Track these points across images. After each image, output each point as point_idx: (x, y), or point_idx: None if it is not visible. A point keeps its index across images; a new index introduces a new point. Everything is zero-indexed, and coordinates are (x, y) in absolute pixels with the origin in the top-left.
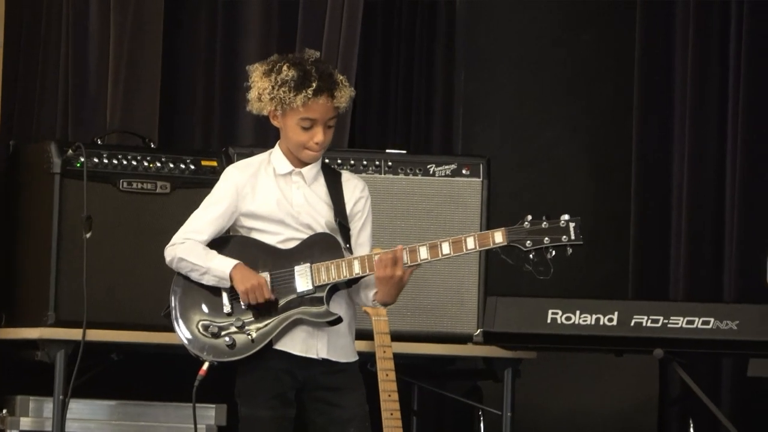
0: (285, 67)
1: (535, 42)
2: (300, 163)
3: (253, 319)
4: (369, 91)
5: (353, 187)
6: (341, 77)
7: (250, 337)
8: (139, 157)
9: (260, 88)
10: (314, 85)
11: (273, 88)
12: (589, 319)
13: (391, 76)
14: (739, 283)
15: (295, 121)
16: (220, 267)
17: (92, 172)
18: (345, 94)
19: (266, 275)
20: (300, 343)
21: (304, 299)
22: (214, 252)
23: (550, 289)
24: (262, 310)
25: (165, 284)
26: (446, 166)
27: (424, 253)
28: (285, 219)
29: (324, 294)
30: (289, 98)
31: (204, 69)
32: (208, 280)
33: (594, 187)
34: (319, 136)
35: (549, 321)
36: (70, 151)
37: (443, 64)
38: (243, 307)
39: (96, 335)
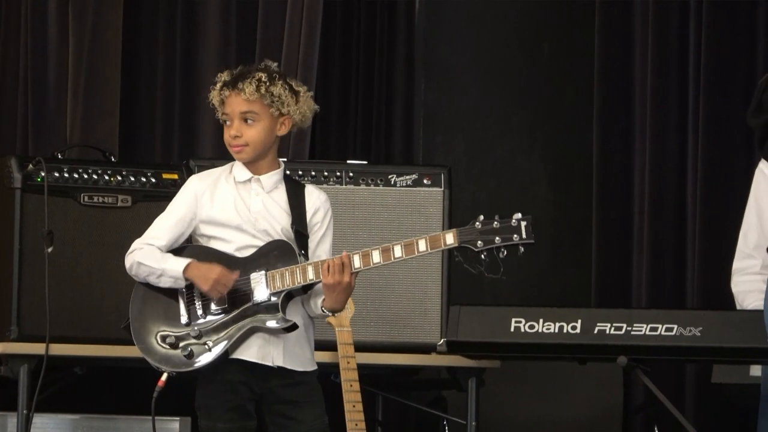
0: (225, 74)
1: (496, 51)
2: (259, 171)
3: (210, 328)
4: (329, 101)
5: (315, 197)
6: (260, 74)
7: (207, 346)
8: (99, 171)
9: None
10: (223, 80)
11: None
12: (553, 327)
13: (351, 87)
14: (702, 289)
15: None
16: (173, 267)
17: (53, 186)
18: (252, 88)
19: (222, 267)
20: (256, 350)
21: (260, 307)
22: (169, 254)
23: (514, 298)
24: (219, 317)
25: (127, 297)
26: (407, 176)
27: (376, 256)
28: (242, 225)
29: (279, 301)
30: (212, 97)
31: (164, 82)
32: (165, 282)
33: (555, 196)
34: (232, 129)
35: (512, 329)
36: (31, 166)
37: (403, 73)
38: (200, 315)
39: (59, 349)
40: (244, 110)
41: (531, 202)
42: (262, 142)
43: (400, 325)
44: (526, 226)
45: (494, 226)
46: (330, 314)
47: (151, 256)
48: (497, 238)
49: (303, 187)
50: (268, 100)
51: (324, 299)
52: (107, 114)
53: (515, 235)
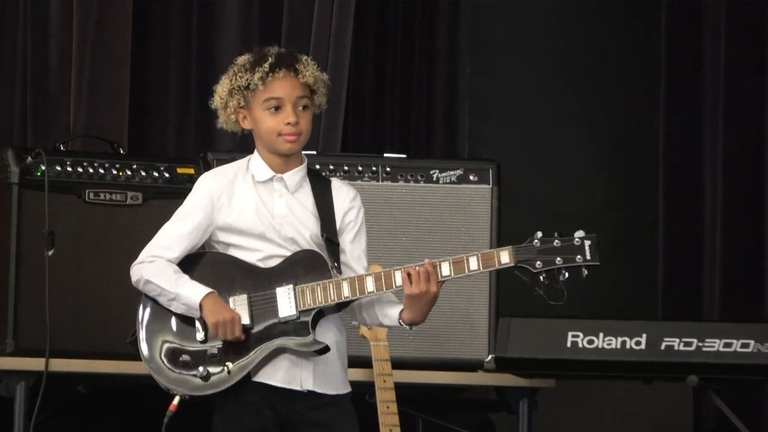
0: (241, 58)
1: (549, 32)
2: (282, 167)
3: (230, 347)
4: (363, 88)
5: (344, 195)
6: (306, 57)
7: (225, 369)
8: (106, 165)
9: (221, 92)
10: (270, 59)
11: (231, 81)
12: (614, 343)
13: (388, 72)
14: None
15: (260, 107)
16: (190, 294)
17: (54, 181)
18: (311, 69)
19: (243, 299)
20: (282, 373)
21: (287, 325)
22: (186, 277)
23: (570, 309)
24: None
25: (135, 307)
26: (451, 172)
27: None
28: (266, 232)
29: (309, 320)
30: (247, 79)
31: (178, 66)
32: (176, 308)
33: (616, 194)
34: (289, 116)
35: (569, 345)
36: (30, 159)
37: (446, 56)
38: None
39: (60, 365)
40: (300, 94)
41: (588, 200)
42: (309, 133)
43: (442, 339)
44: (590, 246)
45: (554, 244)
46: (409, 327)
47: (163, 274)
48: (558, 258)
49: (329, 183)
50: (318, 86)
51: (402, 310)
52: (115, 101)
53: (578, 256)
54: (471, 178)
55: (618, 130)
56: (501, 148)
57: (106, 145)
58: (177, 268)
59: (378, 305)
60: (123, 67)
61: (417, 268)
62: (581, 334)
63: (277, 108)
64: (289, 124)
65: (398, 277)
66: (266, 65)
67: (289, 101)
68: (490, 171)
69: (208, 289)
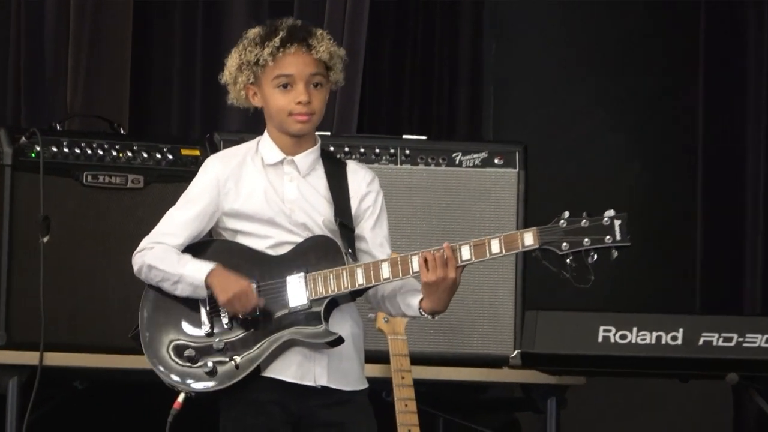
0: (251, 32)
1: (582, 10)
2: (293, 149)
3: (237, 340)
4: (381, 66)
5: (360, 179)
6: (321, 31)
7: (233, 362)
8: (106, 146)
9: (231, 66)
10: (282, 33)
11: (240, 56)
12: (649, 338)
13: (408, 47)
14: None
15: (270, 84)
16: (193, 273)
17: (50, 163)
18: (325, 45)
19: (253, 287)
20: (294, 368)
21: (298, 316)
22: (188, 256)
23: (601, 301)
24: (249, 328)
25: (138, 298)
26: (475, 155)
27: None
28: (276, 218)
29: (322, 309)
30: (256, 54)
31: (183, 43)
32: (182, 290)
33: (652, 180)
34: (301, 94)
35: (600, 340)
36: (24, 139)
37: (470, 33)
38: (226, 325)
39: (55, 359)
40: (314, 71)
41: (621, 188)
42: (322, 113)
43: (465, 333)
44: (620, 225)
45: (582, 225)
46: (430, 317)
47: (165, 258)
48: (586, 239)
49: (344, 165)
50: (335, 62)
51: (422, 299)
52: (115, 78)
53: (607, 237)
54: (496, 161)
55: (653, 114)
56: (528, 130)
57: (106, 125)
58: (180, 252)
59: (400, 294)
60: (124, 44)
61: (434, 252)
62: (613, 329)
63: (288, 86)
64: (300, 103)
65: (415, 263)
66: (277, 40)
67: (300, 79)
68: (517, 154)
69: (212, 264)
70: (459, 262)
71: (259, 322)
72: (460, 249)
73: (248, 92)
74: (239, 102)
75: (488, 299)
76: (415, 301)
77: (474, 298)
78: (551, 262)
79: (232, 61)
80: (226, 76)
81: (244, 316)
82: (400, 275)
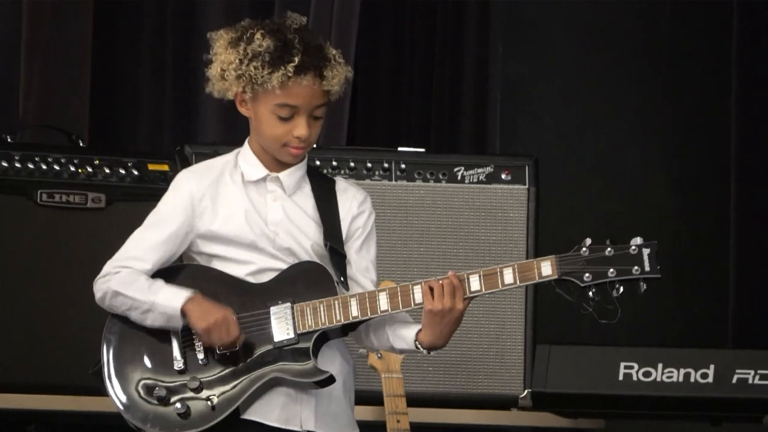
0: (258, 36)
1: (601, 8)
2: (277, 165)
3: (214, 378)
4: (375, 70)
5: (351, 198)
6: (334, 52)
7: (209, 403)
8: (63, 160)
9: (224, 61)
10: (296, 59)
11: (241, 62)
12: (676, 375)
13: (405, 50)
14: None
15: (269, 108)
16: (168, 300)
17: (0, 180)
18: (339, 74)
19: (233, 315)
20: (278, 410)
21: (283, 352)
22: (161, 281)
23: (623, 335)
24: (228, 364)
25: (99, 331)
26: (479, 170)
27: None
28: (258, 242)
29: (310, 345)
30: (262, 76)
31: (150, 43)
32: (153, 321)
33: (679, 200)
34: (301, 128)
35: (621, 378)
36: None
37: (475, 34)
38: (201, 361)
39: (8, 401)
40: (319, 103)
41: (645, 208)
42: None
43: (468, 370)
44: (649, 255)
45: (606, 253)
46: (427, 352)
47: (133, 283)
48: (611, 270)
49: (333, 183)
50: (341, 88)
51: (421, 331)
52: (74, 84)
53: (635, 267)
54: (503, 176)
55: (682, 125)
56: (539, 141)
57: (63, 137)
58: (148, 277)
59: (389, 325)
60: (84, 46)
61: (440, 280)
62: (636, 365)
63: (294, 116)
64: (297, 136)
65: (417, 293)
66: (290, 68)
67: (305, 111)
68: (527, 168)
69: (189, 291)
70: (467, 293)
71: (239, 357)
72: (468, 279)
73: (237, 98)
74: (220, 96)
75: (495, 331)
76: (410, 333)
77: (478, 330)
78: (570, 294)
79: (229, 57)
80: (215, 70)
81: (223, 350)
82: (400, 307)
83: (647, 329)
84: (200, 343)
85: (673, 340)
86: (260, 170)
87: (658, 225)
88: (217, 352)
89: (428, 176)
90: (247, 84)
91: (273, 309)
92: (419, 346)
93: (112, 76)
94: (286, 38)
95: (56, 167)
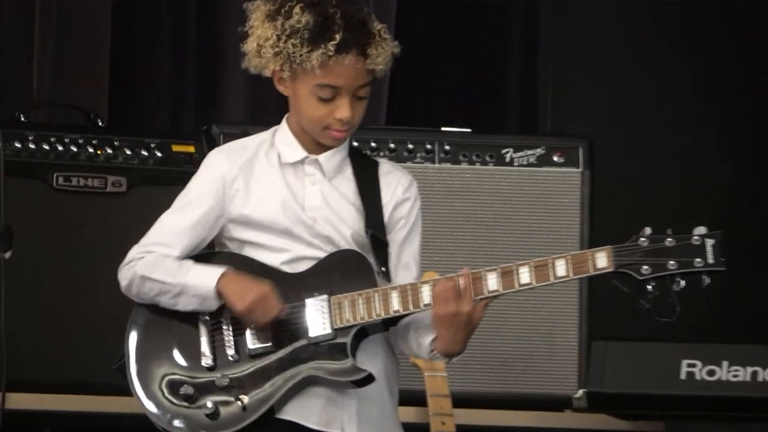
0: (297, 9)
1: None
2: (317, 146)
3: (245, 376)
4: (414, 46)
5: (395, 183)
6: (379, 26)
7: (240, 403)
8: (81, 141)
9: (261, 36)
10: (338, 37)
11: (278, 38)
12: (742, 374)
13: (447, 21)
14: None
15: (309, 88)
16: (200, 280)
17: (13, 162)
18: (384, 52)
19: (272, 288)
20: (316, 414)
21: (319, 348)
22: (190, 262)
23: (684, 330)
24: (259, 361)
25: (120, 324)
26: (529, 151)
27: (493, 282)
28: (294, 229)
29: (348, 340)
30: (301, 55)
31: (173, 13)
32: (185, 304)
33: (743, 185)
34: (344, 110)
35: (683, 376)
36: None
37: (523, 5)
38: (231, 357)
39: (20, 401)
40: (363, 83)
41: (706, 193)
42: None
43: (517, 368)
44: (714, 247)
45: (667, 244)
46: (445, 359)
47: (161, 266)
48: (671, 262)
49: (377, 165)
50: (387, 64)
51: (435, 338)
52: (91, 58)
53: (698, 259)
54: (555, 159)
55: (748, 106)
56: (594, 121)
57: (81, 116)
58: (176, 258)
59: (413, 330)
60: (102, 17)
61: (446, 280)
62: (699, 363)
63: (336, 97)
64: (340, 119)
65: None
66: (331, 46)
67: (347, 92)
68: (580, 150)
69: (222, 268)
70: (485, 292)
71: (273, 353)
72: (485, 277)
73: (274, 75)
74: (257, 72)
75: (546, 327)
76: (426, 339)
77: (529, 325)
78: (627, 285)
79: (266, 32)
80: (251, 45)
81: (265, 327)
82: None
83: (711, 323)
84: (231, 336)
85: (737, 335)
86: (299, 152)
87: (720, 212)
88: (249, 344)
89: (474, 158)
90: (285, 62)
91: (308, 301)
92: (436, 354)
93: (133, 50)
94: (327, 12)
95: (73, 148)
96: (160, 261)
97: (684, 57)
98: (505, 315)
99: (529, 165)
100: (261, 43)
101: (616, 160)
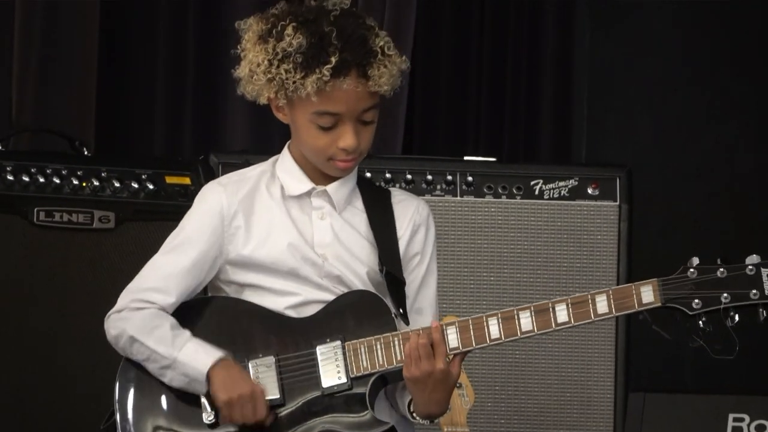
0: (290, 30)
1: None
2: (323, 177)
3: None
4: (436, 65)
5: (411, 212)
6: (383, 41)
7: None
8: (64, 172)
9: (252, 61)
10: (334, 59)
11: (270, 63)
12: None
13: (472, 42)
14: None
15: (307, 116)
16: (193, 360)
17: None
18: (388, 71)
19: (268, 363)
20: None
21: (334, 400)
22: (187, 333)
23: (730, 375)
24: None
25: (109, 377)
26: (561, 183)
27: (495, 330)
28: (301, 269)
29: (366, 390)
30: (295, 81)
31: (169, 32)
32: (171, 379)
33: None
34: (348, 138)
35: (730, 431)
36: None
37: (556, 18)
38: None
39: None
40: (367, 106)
41: (757, 222)
42: (369, 147)
43: (548, 422)
44: None
45: (718, 275)
46: (423, 422)
47: (155, 330)
48: (725, 294)
49: (389, 195)
50: (395, 84)
51: (412, 399)
52: (78, 81)
53: (753, 291)
54: (590, 191)
55: None
56: (633, 149)
57: (65, 144)
58: (175, 321)
59: (399, 389)
60: (89, 37)
61: (419, 336)
62: (747, 417)
63: (338, 125)
64: (344, 148)
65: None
66: (327, 70)
67: (350, 118)
68: (618, 181)
69: (220, 353)
70: (488, 340)
71: (283, 407)
72: (446, 331)
73: (271, 102)
74: (252, 99)
75: (579, 376)
76: (405, 399)
77: (560, 374)
78: (669, 334)
79: (257, 55)
80: (243, 70)
81: (242, 429)
82: (473, 344)
83: (761, 371)
84: None
85: None
86: (304, 183)
87: None
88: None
89: (500, 191)
90: (280, 89)
91: (320, 348)
92: (415, 416)
93: (124, 72)
94: (322, 32)
95: (56, 180)
96: (157, 323)
97: (736, 78)
98: (534, 363)
99: (561, 198)
100: (253, 69)
101: (658, 191)
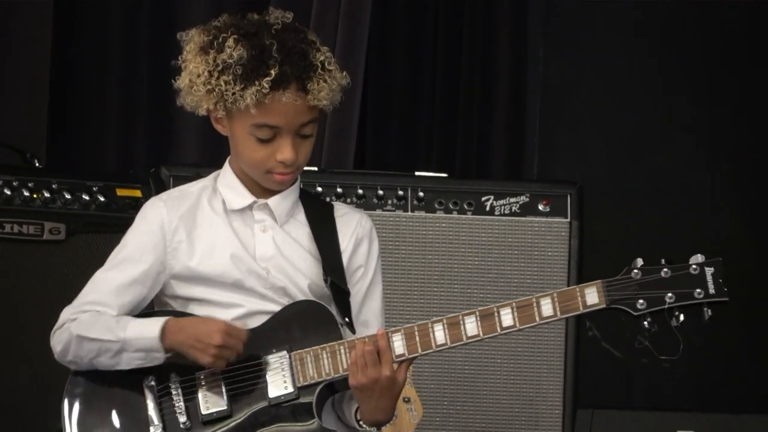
0: (231, 42)
1: (655, 4)
2: (264, 190)
3: None
4: (388, 81)
5: (354, 225)
6: (323, 57)
7: None
8: (15, 183)
9: (192, 72)
10: (273, 72)
11: (210, 74)
12: None
13: (424, 54)
14: None
15: (246, 128)
16: (142, 332)
17: None
18: (327, 86)
19: (214, 375)
20: None
21: (281, 410)
22: (128, 316)
23: (680, 394)
24: (216, 427)
25: (57, 392)
26: (513, 199)
27: (440, 335)
28: (245, 281)
29: (313, 400)
30: (234, 93)
31: (121, 44)
32: (128, 362)
33: (746, 230)
34: (286, 151)
35: None
36: None
37: (509, 32)
38: (183, 424)
39: None
40: (305, 120)
41: (712, 239)
42: (307, 160)
43: None
44: (713, 275)
45: (662, 275)
46: (370, 429)
47: (98, 323)
48: (669, 294)
49: (331, 208)
50: (334, 99)
51: (359, 407)
52: (29, 95)
53: (697, 290)
54: (541, 207)
55: (753, 144)
56: (584, 165)
57: (16, 156)
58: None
59: (347, 399)
60: (41, 49)
61: (364, 343)
62: None
63: (277, 138)
64: (282, 161)
65: (438, 332)
66: (266, 82)
67: (288, 131)
68: (569, 198)
69: (162, 318)
70: (434, 346)
71: (230, 417)
72: (392, 338)
73: (210, 114)
74: (192, 110)
75: (527, 393)
76: (351, 408)
77: (510, 390)
78: (603, 336)
79: (197, 66)
80: (183, 80)
81: (231, 362)
82: (419, 351)
83: (709, 385)
84: (181, 400)
85: (744, 400)
86: (245, 197)
87: (727, 257)
88: (203, 408)
89: (451, 206)
90: (219, 100)
91: (266, 359)
92: (362, 425)
93: (75, 84)
94: (263, 45)
95: (6, 191)
96: (97, 318)
97: (688, 94)
98: (483, 378)
99: (512, 214)
100: (193, 80)
101: (608, 208)
